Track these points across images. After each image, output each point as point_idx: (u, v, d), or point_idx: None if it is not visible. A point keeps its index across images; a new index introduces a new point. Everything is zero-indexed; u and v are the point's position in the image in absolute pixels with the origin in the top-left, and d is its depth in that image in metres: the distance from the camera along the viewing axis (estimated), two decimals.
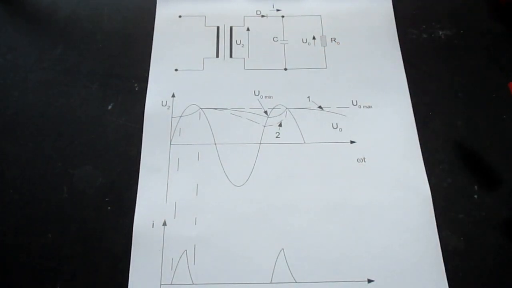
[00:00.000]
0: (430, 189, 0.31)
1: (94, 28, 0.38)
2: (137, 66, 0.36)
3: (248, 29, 0.38)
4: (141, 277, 0.29)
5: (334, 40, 0.38)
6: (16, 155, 0.33)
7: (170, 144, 0.33)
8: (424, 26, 0.38)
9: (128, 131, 0.34)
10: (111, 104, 0.35)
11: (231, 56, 0.37)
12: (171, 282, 0.29)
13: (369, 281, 0.29)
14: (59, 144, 0.33)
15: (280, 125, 0.34)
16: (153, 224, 0.30)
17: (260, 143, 0.33)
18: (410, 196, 0.31)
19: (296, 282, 0.29)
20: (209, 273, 0.29)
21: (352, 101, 0.35)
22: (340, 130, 0.34)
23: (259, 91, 0.35)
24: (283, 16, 0.39)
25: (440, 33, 0.38)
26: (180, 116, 0.34)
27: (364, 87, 0.36)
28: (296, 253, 0.30)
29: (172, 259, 0.29)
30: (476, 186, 0.32)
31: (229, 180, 0.32)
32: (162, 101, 0.35)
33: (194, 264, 0.29)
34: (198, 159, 0.33)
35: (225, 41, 0.38)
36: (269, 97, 0.35)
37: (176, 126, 0.34)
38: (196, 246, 0.30)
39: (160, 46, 0.37)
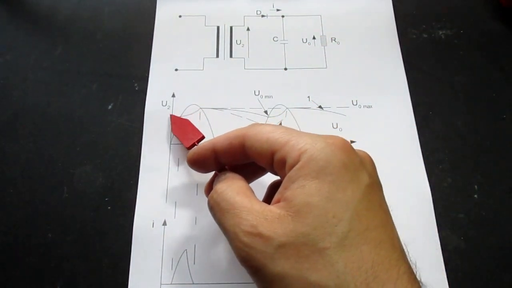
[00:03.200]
0: (430, 189, 0.31)
1: (94, 28, 0.38)
2: (137, 66, 0.36)
3: (248, 29, 0.38)
4: (141, 277, 0.29)
5: (334, 40, 0.38)
6: (16, 155, 0.33)
7: (170, 144, 0.33)
8: (424, 26, 0.38)
9: (128, 131, 0.34)
10: (111, 104, 0.35)
11: (231, 56, 0.37)
12: (171, 282, 0.29)
13: None
14: (59, 144, 0.33)
15: (280, 124, 0.34)
16: (153, 224, 0.30)
17: None
18: (410, 196, 0.31)
19: None
20: (209, 273, 0.29)
21: (352, 101, 0.35)
22: (340, 130, 0.34)
23: (259, 91, 0.35)
24: (283, 16, 0.39)
25: (440, 33, 0.38)
26: (180, 116, 0.34)
27: (364, 87, 0.36)
28: None
29: (172, 259, 0.29)
30: (476, 186, 0.32)
31: None
32: (162, 101, 0.35)
33: (194, 264, 0.29)
34: None
35: (225, 41, 0.38)
36: (269, 97, 0.35)
37: None
38: (196, 246, 0.30)
39: (160, 46, 0.37)
